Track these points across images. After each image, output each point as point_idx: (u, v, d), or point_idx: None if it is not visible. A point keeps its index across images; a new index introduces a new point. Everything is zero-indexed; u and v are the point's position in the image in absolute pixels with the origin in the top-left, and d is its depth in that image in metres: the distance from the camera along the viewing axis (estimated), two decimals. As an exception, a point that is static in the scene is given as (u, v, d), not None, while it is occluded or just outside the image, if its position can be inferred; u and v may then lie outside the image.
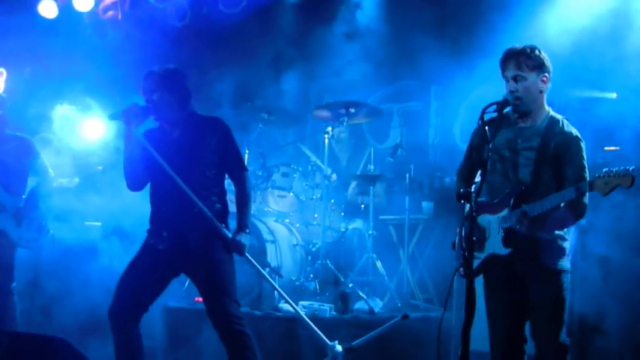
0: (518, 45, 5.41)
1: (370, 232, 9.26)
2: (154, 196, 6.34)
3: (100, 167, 10.24)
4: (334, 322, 7.96)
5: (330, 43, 11.02)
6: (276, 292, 8.31)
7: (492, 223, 5.39)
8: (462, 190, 4.75)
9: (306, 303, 8.34)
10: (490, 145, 5.11)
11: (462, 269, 5.13)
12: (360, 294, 8.49)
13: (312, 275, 8.99)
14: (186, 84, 6.36)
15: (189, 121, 6.33)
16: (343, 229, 9.63)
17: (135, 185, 6.35)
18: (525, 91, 5.32)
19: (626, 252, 7.55)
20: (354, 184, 10.51)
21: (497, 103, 5.21)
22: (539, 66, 5.35)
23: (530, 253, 5.25)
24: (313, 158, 10.05)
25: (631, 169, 4.68)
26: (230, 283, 6.16)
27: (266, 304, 8.42)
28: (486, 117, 5.06)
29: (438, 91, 11.30)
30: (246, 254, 6.26)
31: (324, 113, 9.66)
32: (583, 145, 5.33)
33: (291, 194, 9.55)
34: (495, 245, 5.33)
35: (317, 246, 9.23)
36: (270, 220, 9.26)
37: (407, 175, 9.50)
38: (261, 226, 8.89)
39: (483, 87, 9.31)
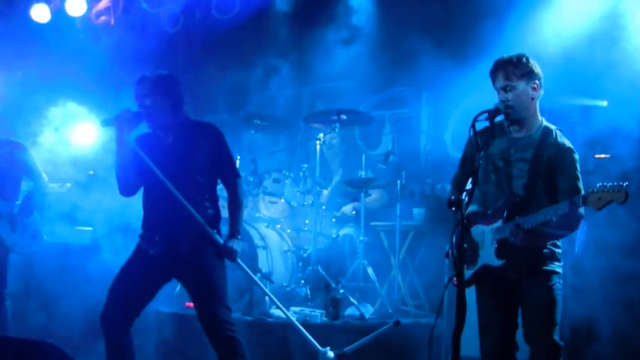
0: (507, 55, 5.43)
1: (361, 238, 9.27)
2: (146, 201, 6.34)
3: (92, 172, 10.24)
4: (325, 328, 7.97)
5: (322, 50, 11.04)
6: (267, 297, 8.33)
7: (486, 234, 5.40)
8: (452, 197, 4.75)
9: (297, 309, 8.35)
10: (481, 154, 5.12)
11: (455, 279, 5.14)
12: (351, 300, 8.49)
13: (303, 281, 8.99)
14: (179, 89, 6.35)
15: (183, 126, 6.33)
16: (334, 235, 9.64)
17: (127, 190, 6.35)
18: (516, 100, 5.33)
19: (617, 257, 7.59)
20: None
21: (489, 111, 5.22)
22: (528, 74, 5.36)
23: (522, 262, 5.26)
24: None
25: (625, 184, 4.68)
26: (221, 288, 6.16)
27: (257, 310, 8.42)
28: (478, 125, 5.07)
29: (429, 98, 11.31)
30: (238, 260, 6.27)
31: (316, 120, 9.67)
32: (576, 156, 5.34)
33: (283, 200, 9.56)
34: (489, 256, 5.33)
35: (308, 252, 9.23)
36: (262, 226, 9.27)
37: (398, 182, 9.50)
38: (252, 231, 8.90)
39: (475, 94, 9.32)
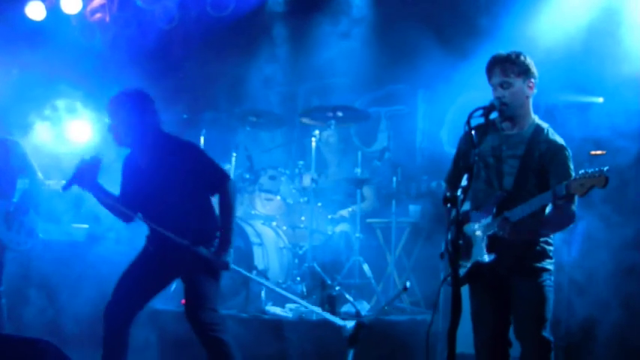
0: (504, 51, 5.43)
1: (357, 235, 9.27)
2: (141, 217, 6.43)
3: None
4: (320, 325, 7.97)
5: (317, 47, 11.04)
6: (263, 294, 8.34)
7: (476, 230, 5.41)
8: (447, 194, 4.76)
9: (292, 306, 8.34)
10: (477, 150, 5.12)
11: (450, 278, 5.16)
12: (347, 297, 8.49)
13: (299, 278, 9.00)
14: (148, 106, 6.30)
15: (157, 146, 6.31)
16: (330, 232, 9.64)
17: (126, 220, 6.50)
18: (512, 97, 5.34)
19: (611, 256, 7.61)
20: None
21: (484, 107, 5.23)
22: (525, 72, 5.37)
23: (513, 258, 5.27)
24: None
25: (605, 169, 4.71)
26: (206, 291, 6.23)
27: (253, 307, 8.42)
28: (473, 122, 5.07)
29: (425, 95, 11.32)
30: (234, 266, 6.29)
31: (312, 117, 9.67)
32: (569, 154, 5.34)
33: (279, 197, 9.56)
34: (480, 253, 5.34)
35: (304, 249, 9.24)
36: (258, 223, 9.26)
37: (394, 179, 9.51)
38: (248, 228, 8.89)
39: (471, 91, 9.35)
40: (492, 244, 5.27)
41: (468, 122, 5.04)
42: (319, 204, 9.69)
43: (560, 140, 5.38)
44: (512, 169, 5.38)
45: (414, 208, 9.85)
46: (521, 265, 5.29)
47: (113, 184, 6.41)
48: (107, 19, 11.86)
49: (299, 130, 11.90)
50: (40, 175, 8.33)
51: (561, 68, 8.28)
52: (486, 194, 5.45)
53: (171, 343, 8.16)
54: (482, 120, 5.26)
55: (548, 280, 5.32)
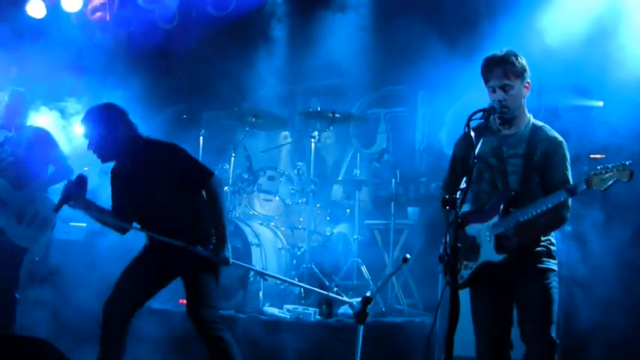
0: (498, 52, 5.42)
1: (355, 236, 9.27)
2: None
3: (87, 168, 10.22)
4: (318, 326, 7.96)
5: (317, 47, 11.04)
6: (260, 295, 8.34)
7: (482, 231, 5.37)
8: (446, 196, 4.74)
9: (290, 307, 8.34)
10: (476, 152, 5.10)
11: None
12: (345, 298, 8.47)
13: (297, 279, 8.98)
14: (121, 116, 6.33)
15: (139, 152, 6.32)
16: (328, 234, 9.63)
17: (122, 232, 6.52)
18: (512, 99, 5.33)
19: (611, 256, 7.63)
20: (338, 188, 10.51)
21: (484, 110, 5.20)
22: (523, 73, 5.36)
23: (520, 258, 5.25)
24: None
25: (628, 163, 4.68)
26: (207, 289, 6.24)
27: (250, 307, 8.41)
28: (472, 124, 5.06)
29: (425, 97, 11.32)
30: (234, 260, 6.29)
31: (310, 117, 9.64)
32: (567, 149, 5.35)
33: (277, 198, 9.54)
34: (488, 253, 5.31)
35: (302, 250, 9.22)
36: (256, 224, 9.25)
37: (393, 181, 9.51)
38: (246, 229, 8.88)
39: (470, 93, 9.33)
40: (501, 244, 5.25)
41: (468, 124, 5.02)
42: (318, 205, 9.68)
43: (559, 137, 5.37)
44: (516, 168, 5.36)
45: (412, 210, 9.85)
46: (528, 266, 5.27)
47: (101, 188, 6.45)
48: (107, 17, 11.85)
49: (298, 131, 11.90)
50: (70, 164, 8.24)
51: (562, 71, 8.29)
52: (490, 195, 5.43)
53: (169, 343, 8.14)
54: (479, 122, 5.24)
55: (554, 282, 5.31)
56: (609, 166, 4.72)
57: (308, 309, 8.27)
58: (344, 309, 8.41)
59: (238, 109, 10.24)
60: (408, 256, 6.22)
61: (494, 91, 5.37)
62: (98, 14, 11.87)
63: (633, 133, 7.81)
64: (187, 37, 11.98)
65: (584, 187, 4.82)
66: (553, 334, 5.25)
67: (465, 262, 5.42)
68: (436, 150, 10.92)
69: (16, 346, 5.62)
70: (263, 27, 11.58)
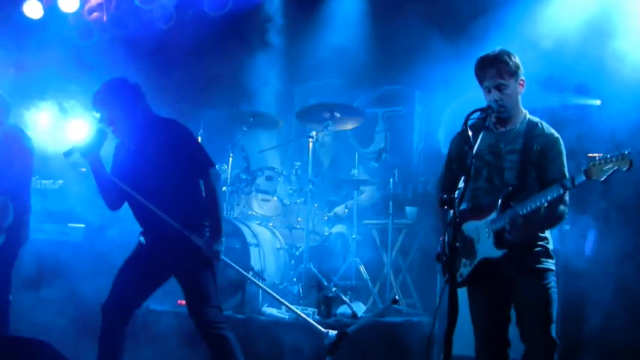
0: (491, 52, 5.43)
1: (354, 236, 9.27)
2: (131, 207, 6.44)
3: (84, 169, 10.21)
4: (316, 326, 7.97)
5: (315, 47, 11.04)
6: (259, 295, 8.34)
7: (480, 228, 5.38)
8: (444, 195, 4.74)
9: (289, 306, 8.35)
10: (473, 151, 5.11)
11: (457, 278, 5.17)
12: (343, 298, 8.48)
13: (295, 279, 8.98)
14: (125, 91, 6.35)
15: (142, 130, 6.33)
16: (327, 233, 9.63)
17: (112, 206, 6.51)
18: (507, 98, 5.35)
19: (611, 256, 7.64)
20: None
21: (482, 109, 5.22)
22: (517, 71, 5.38)
23: (519, 256, 5.25)
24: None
25: (627, 152, 4.68)
26: (208, 289, 6.22)
27: (249, 308, 8.41)
28: (469, 123, 5.07)
29: (422, 97, 11.32)
30: (224, 258, 6.29)
31: (308, 117, 9.62)
32: (562, 144, 5.38)
33: (275, 198, 9.54)
34: (487, 249, 5.32)
35: (300, 250, 9.22)
36: (254, 224, 9.25)
37: (391, 180, 9.51)
38: (244, 229, 8.87)
39: (468, 93, 9.34)
40: (502, 239, 5.25)
41: (466, 124, 5.03)
42: (316, 205, 9.68)
43: (555, 133, 5.40)
44: (513, 164, 5.38)
45: (410, 210, 9.86)
46: (526, 266, 5.28)
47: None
48: (104, 18, 11.84)
49: (296, 131, 11.90)
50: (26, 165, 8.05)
51: (559, 70, 8.29)
52: (487, 192, 5.44)
53: (168, 343, 8.14)
54: (476, 121, 5.25)
55: (553, 282, 5.32)
56: (608, 156, 4.72)
57: (307, 309, 8.26)
58: (342, 309, 8.41)
59: (236, 109, 10.22)
60: (397, 297, 6.26)
61: (489, 91, 5.38)
62: (95, 14, 11.86)
63: (631, 132, 7.82)
64: (184, 37, 11.96)
65: (584, 178, 4.82)
66: (552, 334, 5.26)
67: (463, 260, 5.43)
68: (434, 149, 10.92)
69: (16, 348, 5.63)
70: (260, 26, 11.56)
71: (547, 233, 5.44)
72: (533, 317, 5.29)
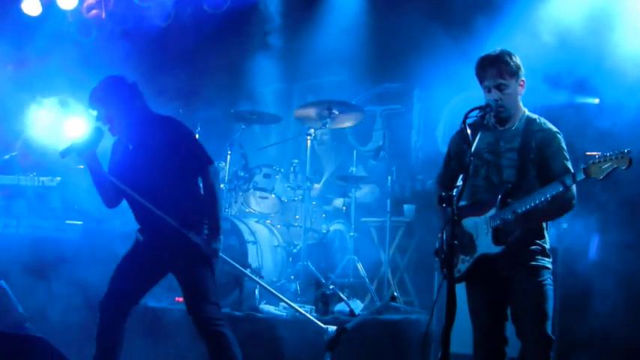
0: (492, 52, 5.43)
1: (351, 233, 9.27)
2: (129, 205, 6.42)
3: (82, 166, 10.20)
4: (314, 324, 7.95)
5: (313, 44, 11.04)
6: (256, 293, 8.33)
7: (479, 224, 5.38)
8: (443, 193, 4.75)
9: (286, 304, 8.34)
10: (472, 150, 5.11)
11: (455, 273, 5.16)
12: (341, 296, 8.48)
13: (292, 276, 8.99)
14: (122, 89, 6.33)
15: (139, 128, 6.31)
16: (324, 231, 9.63)
17: (109, 204, 6.49)
18: (508, 98, 5.36)
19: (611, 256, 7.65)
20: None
21: (480, 107, 5.23)
22: (517, 71, 5.39)
23: (518, 251, 5.25)
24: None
25: (627, 150, 4.72)
26: (206, 285, 6.22)
27: (246, 305, 8.40)
28: (468, 121, 5.07)
29: (421, 95, 11.32)
30: (223, 255, 6.29)
31: (306, 114, 9.61)
32: (562, 139, 5.37)
33: (273, 195, 9.53)
34: (486, 245, 5.32)
35: (298, 247, 9.22)
36: (252, 221, 9.25)
37: (389, 178, 9.51)
38: (242, 226, 8.87)
39: (466, 91, 9.35)
40: (500, 236, 5.26)
41: (464, 122, 5.04)
42: (314, 202, 9.68)
43: (553, 128, 5.41)
44: (512, 162, 5.38)
45: (408, 208, 9.86)
46: (523, 264, 5.28)
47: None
48: (103, 15, 11.83)
49: (294, 129, 11.90)
50: None
51: (558, 69, 8.29)
52: (486, 190, 5.45)
53: (165, 340, 8.14)
54: (476, 119, 5.25)
55: (549, 279, 5.33)
56: (608, 154, 4.77)
57: (304, 306, 8.27)
58: (340, 306, 8.41)
59: (234, 106, 10.22)
60: (395, 294, 6.25)
61: (489, 90, 5.39)
62: (94, 12, 11.85)
63: (629, 131, 7.82)
64: (183, 35, 11.96)
65: (583, 176, 4.85)
66: (548, 331, 5.27)
67: (462, 257, 5.43)
68: (432, 147, 10.92)
69: (14, 344, 5.62)
70: (259, 24, 11.58)
71: (545, 232, 5.45)
72: (528, 314, 5.30)
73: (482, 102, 5.33)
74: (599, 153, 4.78)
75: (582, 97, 8.68)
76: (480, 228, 5.37)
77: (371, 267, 9.51)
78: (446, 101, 10.70)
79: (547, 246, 5.42)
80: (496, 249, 5.26)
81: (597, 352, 7.56)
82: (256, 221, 9.39)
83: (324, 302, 8.29)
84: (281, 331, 7.77)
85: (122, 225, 8.35)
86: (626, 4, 8.31)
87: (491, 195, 5.37)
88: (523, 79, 5.45)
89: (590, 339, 7.58)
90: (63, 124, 10.66)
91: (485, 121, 5.38)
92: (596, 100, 8.66)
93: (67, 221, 9.83)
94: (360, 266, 9.13)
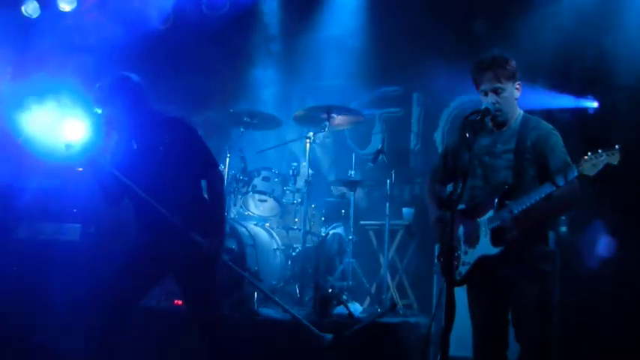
0: (488, 55, 5.44)
1: (350, 237, 9.27)
2: (133, 206, 6.37)
3: (81, 169, 10.20)
4: (313, 326, 7.96)
5: (313, 48, 11.06)
6: (256, 296, 8.33)
7: (480, 226, 5.40)
8: (443, 197, 4.78)
9: (286, 307, 8.34)
10: (468, 155, 5.13)
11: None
12: (340, 299, 8.47)
13: (292, 280, 8.99)
14: (131, 88, 6.29)
15: (146, 128, 6.28)
16: (323, 234, 9.63)
17: (112, 204, 6.44)
18: (505, 102, 5.38)
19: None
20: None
21: (479, 111, 5.25)
22: (514, 75, 5.41)
23: (517, 253, 5.26)
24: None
25: (617, 147, 4.77)
26: (207, 288, 6.21)
27: (245, 308, 8.40)
28: (467, 125, 5.09)
29: (420, 98, 11.33)
30: (225, 259, 6.28)
31: (305, 118, 9.60)
32: (559, 136, 5.40)
33: (272, 198, 9.53)
34: (484, 247, 5.34)
35: (297, 250, 9.22)
36: (251, 225, 9.24)
37: (388, 181, 9.51)
38: (241, 230, 8.87)
39: (465, 95, 9.36)
40: (498, 237, 5.26)
41: (463, 126, 5.05)
42: (313, 205, 9.67)
43: (548, 125, 5.43)
44: (509, 163, 5.40)
45: (407, 211, 9.87)
46: (524, 267, 5.29)
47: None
48: (102, 17, 11.83)
49: (293, 132, 11.90)
50: None
51: (556, 73, 8.30)
52: (483, 191, 5.47)
53: (165, 343, 8.14)
54: (474, 122, 5.27)
55: (549, 283, 5.35)
56: (599, 151, 4.80)
57: (303, 310, 8.27)
58: (339, 309, 8.41)
59: (233, 109, 10.20)
60: (396, 302, 6.26)
61: (486, 94, 5.41)
62: (93, 14, 11.85)
63: (628, 133, 7.84)
64: (182, 38, 11.96)
65: (576, 173, 4.88)
66: (548, 335, 5.28)
67: (462, 259, 5.44)
68: (431, 151, 10.94)
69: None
70: (258, 27, 11.59)
71: (547, 235, 5.46)
72: (528, 318, 5.31)
73: (480, 106, 5.34)
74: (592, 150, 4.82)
75: (581, 101, 8.69)
76: (480, 230, 5.38)
77: (370, 270, 9.52)
78: (445, 105, 10.71)
79: (548, 249, 5.43)
80: (495, 250, 5.27)
81: (596, 355, 7.58)
82: (255, 224, 9.39)
83: (323, 305, 8.28)
84: (280, 334, 7.77)
85: (122, 228, 8.34)
86: (625, 5, 8.33)
87: (489, 197, 5.38)
88: (519, 82, 5.47)
89: (589, 342, 7.59)
90: (61, 126, 10.66)
91: (483, 125, 5.40)
92: (595, 104, 8.67)
93: (64, 224, 9.82)
94: (359, 269, 9.12)
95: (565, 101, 8.67)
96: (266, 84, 11.82)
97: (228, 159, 9.67)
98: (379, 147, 10.10)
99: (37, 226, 8.77)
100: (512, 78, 5.40)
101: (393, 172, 9.59)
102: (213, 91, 11.86)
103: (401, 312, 9.08)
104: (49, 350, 5.58)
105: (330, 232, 9.76)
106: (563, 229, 7.84)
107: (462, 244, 5.47)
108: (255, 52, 11.57)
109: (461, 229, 5.48)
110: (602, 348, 7.58)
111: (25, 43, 10.83)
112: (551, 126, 5.43)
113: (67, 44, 11.27)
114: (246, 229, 8.97)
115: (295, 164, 9.76)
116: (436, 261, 6.00)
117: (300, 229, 9.24)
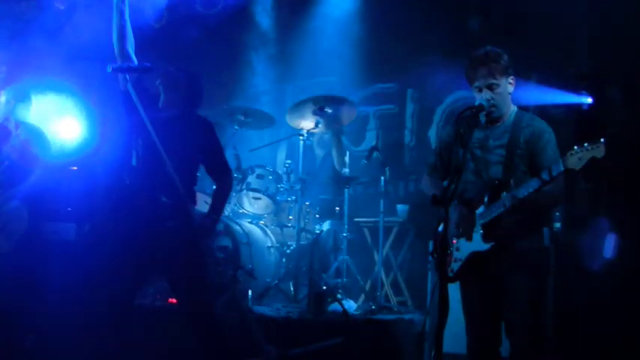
0: (481, 51, 5.44)
1: (345, 234, 9.26)
2: (141, 160, 6.36)
3: (75, 168, 10.18)
4: (307, 324, 7.95)
5: (306, 45, 11.05)
6: (250, 293, 8.33)
7: (473, 217, 5.41)
8: (436, 193, 4.77)
9: (279, 305, 8.34)
10: (465, 149, 5.13)
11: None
12: (335, 296, 8.47)
13: (286, 277, 8.99)
14: (199, 90, 6.68)
15: (184, 116, 6.45)
16: (318, 232, 9.62)
17: (125, 158, 6.44)
18: (499, 98, 5.38)
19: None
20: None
21: (473, 107, 5.25)
22: (507, 70, 5.41)
23: (509, 249, 5.26)
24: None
25: (601, 140, 4.79)
26: (200, 286, 6.24)
27: (239, 306, 8.38)
28: (460, 121, 5.09)
29: (414, 95, 11.33)
30: (218, 254, 6.30)
31: (298, 117, 9.56)
32: (551, 134, 5.39)
33: (266, 196, 9.53)
34: (475, 243, 5.34)
35: (291, 248, 9.22)
36: (245, 222, 9.24)
37: (382, 178, 9.50)
38: (235, 227, 8.86)
39: (459, 91, 9.36)
40: (488, 233, 5.27)
41: (457, 122, 5.06)
42: (307, 203, 9.66)
43: (542, 122, 5.44)
44: (500, 158, 5.41)
45: (401, 208, 9.86)
46: (516, 262, 5.29)
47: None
48: (96, 16, 11.81)
49: (287, 129, 11.89)
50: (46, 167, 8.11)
51: (551, 68, 8.31)
52: (475, 185, 5.48)
53: (158, 342, 8.13)
54: (468, 118, 5.27)
55: (542, 280, 5.35)
56: (585, 144, 4.82)
57: (297, 307, 8.27)
58: (334, 306, 8.41)
59: (227, 107, 10.19)
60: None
61: (480, 90, 5.41)
62: (88, 12, 11.83)
63: (622, 129, 7.84)
64: (175, 35, 11.95)
65: (562, 168, 4.89)
66: (540, 332, 5.28)
67: (454, 256, 5.44)
68: (425, 148, 10.93)
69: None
70: (251, 25, 11.58)
71: (541, 231, 5.47)
72: (520, 313, 5.31)
73: (474, 102, 5.35)
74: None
75: (575, 97, 8.70)
76: (474, 219, 5.39)
77: (364, 267, 9.52)
78: (439, 101, 10.71)
79: (543, 246, 5.44)
80: (485, 246, 5.29)
81: (592, 352, 7.58)
82: (249, 222, 9.39)
83: (317, 303, 8.28)
84: (274, 332, 7.76)
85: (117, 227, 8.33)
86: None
87: (480, 192, 5.39)
88: (513, 77, 5.47)
89: (584, 339, 7.59)
90: (57, 124, 10.65)
91: (477, 121, 5.40)
92: (589, 100, 8.68)
93: (59, 223, 9.81)
94: (353, 266, 9.12)
95: (559, 97, 8.67)
96: (260, 82, 11.81)
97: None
98: (373, 144, 10.09)
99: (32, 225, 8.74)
100: (505, 73, 5.39)
101: (387, 168, 9.58)
102: (206, 89, 11.83)
103: (393, 304, 9.10)
104: (42, 350, 5.55)
105: (325, 230, 9.75)
106: (557, 225, 7.84)
107: (454, 230, 5.46)
108: (249, 50, 11.56)
109: (455, 215, 5.48)
110: (599, 347, 7.57)
111: (19, 42, 10.81)
112: (545, 123, 5.43)
113: (61, 42, 11.26)
114: (241, 226, 8.97)
115: (289, 162, 9.75)
116: (430, 257, 6.01)
117: (294, 227, 9.23)
